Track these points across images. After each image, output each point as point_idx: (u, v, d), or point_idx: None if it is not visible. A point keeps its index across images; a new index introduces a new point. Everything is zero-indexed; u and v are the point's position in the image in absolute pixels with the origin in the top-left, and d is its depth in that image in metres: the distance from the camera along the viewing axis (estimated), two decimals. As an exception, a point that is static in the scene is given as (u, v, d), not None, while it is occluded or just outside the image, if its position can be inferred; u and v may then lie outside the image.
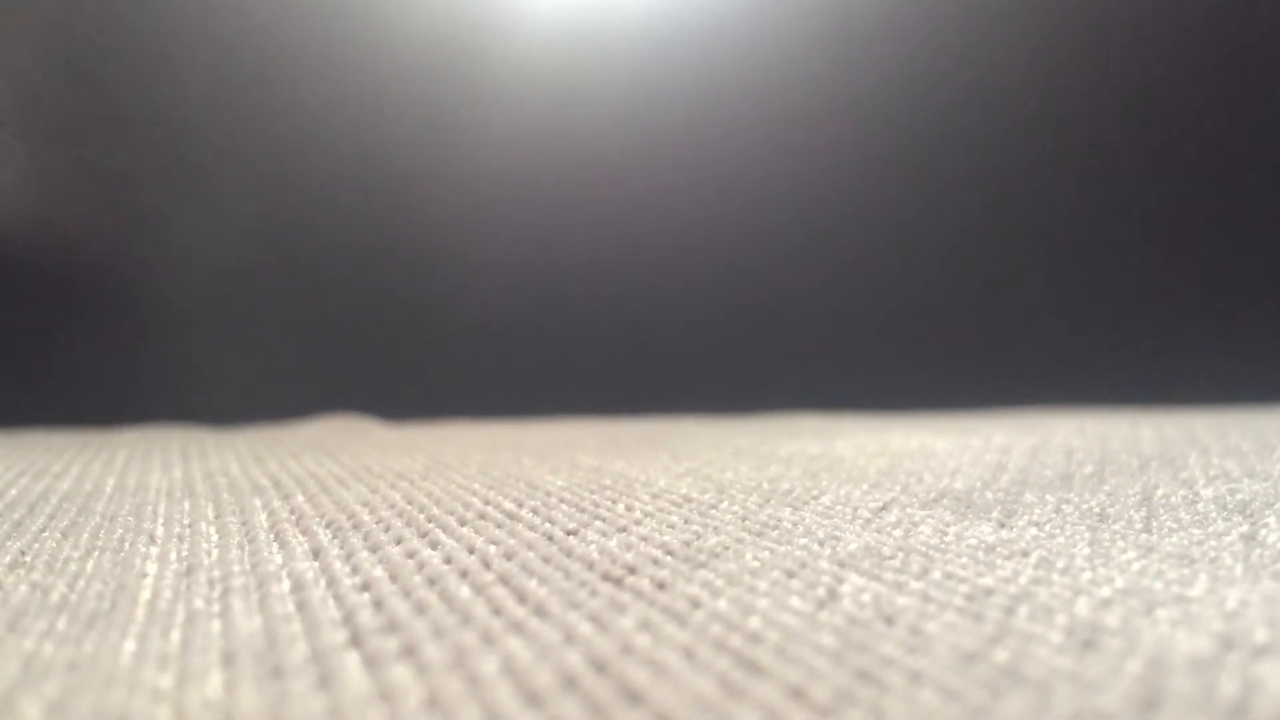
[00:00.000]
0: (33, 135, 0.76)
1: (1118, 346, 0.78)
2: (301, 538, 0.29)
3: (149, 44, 0.76)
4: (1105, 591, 0.20)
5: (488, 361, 0.80)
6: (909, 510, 0.30)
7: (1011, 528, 0.27)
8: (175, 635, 0.20)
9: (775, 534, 0.27)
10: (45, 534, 0.30)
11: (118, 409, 0.72)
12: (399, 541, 0.27)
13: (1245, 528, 0.27)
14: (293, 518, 0.32)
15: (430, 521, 0.30)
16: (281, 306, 0.80)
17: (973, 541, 0.25)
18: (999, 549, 0.24)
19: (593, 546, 0.25)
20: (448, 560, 0.25)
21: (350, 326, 0.80)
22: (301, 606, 0.21)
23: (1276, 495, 0.31)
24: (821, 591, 0.21)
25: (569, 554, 0.25)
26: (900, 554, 0.24)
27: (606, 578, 0.23)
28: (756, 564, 0.23)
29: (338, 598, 0.22)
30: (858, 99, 0.79)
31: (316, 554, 0.26)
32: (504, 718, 0.15)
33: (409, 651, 0.18)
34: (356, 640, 0.19)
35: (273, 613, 0.21)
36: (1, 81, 0.75)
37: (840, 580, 0.22)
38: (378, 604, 0.21)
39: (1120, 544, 0.25)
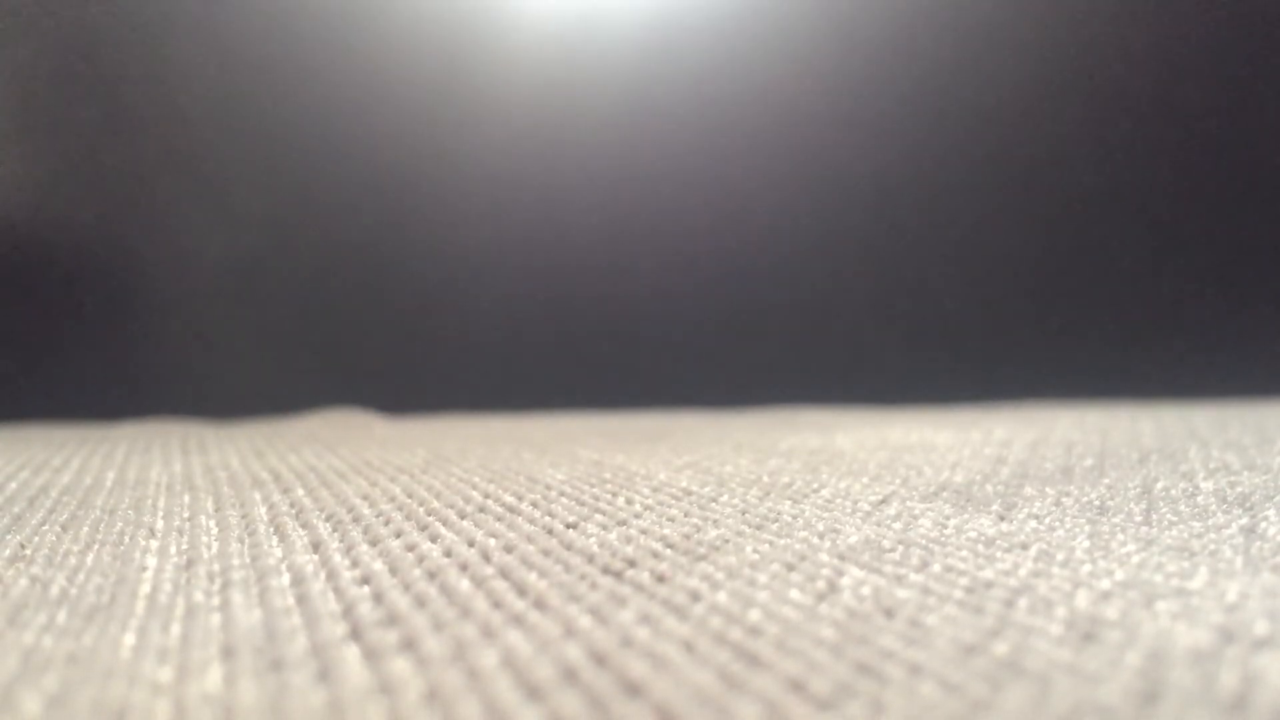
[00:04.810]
0: (33, 131, 0.76)
1: (1118, 340, 0.78)
2: (301, 531, 0.29)
3: (150, 41, 0.76)
4: (1105, 584, 0.20)
5: (488, 356, 0.80)
6: (909, 503, 0.30)
7: (1011, 521, 0.27)
8: (175, 629, 0.20)
9: (775, 527, 0.27)
10: (45, 528, 0.30)
11: (118, 403, 0.72)
12: (399, 535, 0.27)
13: (1245, 520, 0.27)
14: (292, 511, 0.32)
15: (430, 515, 0.30)
16: (281, 301, 0.79)
17: (972, 534, 0.25)
18: (999, 542, 0.24)
19: (593, 540, 0.25)
20: (448, 554, 0.25)
21: (350, 321, 0.80)
22: (301, 600, 0.21)
23: (1276, 488, 0.31)
24: (821, 584, 0.21)
25: (569, 547, 0.25)
26: (900, 547, 0.24)
27: (606, 571, 0.23)
28: (756, 557, 0.23)
29: (338, 591, 0.22)
30: (855, 96, 0.78)
31: (316, 547, 0.26)
32: (504, 711, 0.15)
33: (409, 645, 0.18)
34: (356, 633, 0.19)
35: (272, 606, 0.21)
36: (2, 79, 0.75)
37: (840, 573, 0.22)
38: (378, 597, 0.21)
39: (1120, 537, 0.25)
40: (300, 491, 0.35)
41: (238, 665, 0.17)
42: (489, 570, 0.23)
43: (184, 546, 0.27)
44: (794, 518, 0.28)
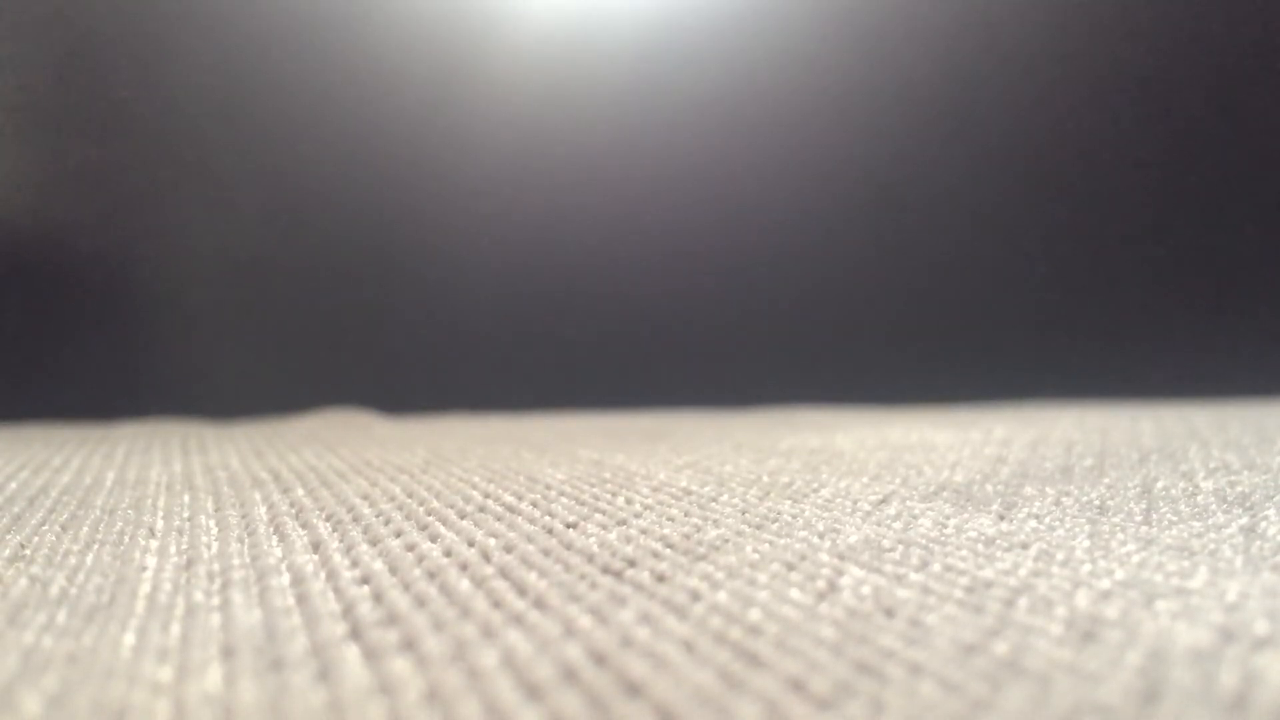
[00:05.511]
0: (32, 130, 0.76)
1: (1118, 340, 0.78)
2: (301, 531, 0.29)
3: (149, 39, 0.76)
4: (1105, 584, 0.20)
5: (487, 355, 0.80)
6: (909, 503, 0.30)
7: (1011, 520, 0.27)
8: (175, 628, 0.20)
9: (775, 527, 0.27)
10: (45, 528, 0.30)
11: (117, 403, 0.72)
12: (399, 535, 0.27)
13: (1245, 520, 0.27)
14: (292, 511, 0.32)
15: (430, 515, 0.30)
16: (281, 301, 0.79)
17: (973, 534, 0.25)
18: (999, 541, 0.24)
19: (593, 540, 0.25)
20: (447, 553, 0.25)
21: (350, 321, 0.80)
22: (301, 600, 0.21)
23: (1276, 488, 0.31)
24: (821, 584, 0.21)
25: (569, 547, 0.25)
26: (900, 546, 0.24)
27: (606, 571, 0.23)
28: (756, 557, 0.23)
29: (337, 591, 0.22)
30: (855, 96, 0.78)
31: (316, 547, 0.26)
32: (504, 710, 0.15)
33: (409, 644, 0.18)
34: (356, 633, 0.19)
35: (272, 606, 0.21)
36: (2, 79, 0.75)
37: (840, 573, 0.22)
38: (377, 597, 0.21)
39: (1120, 536, 0.25)
40: (300, 491, 0.35)
41: (238, 665, 0.17)
42: (489, 570, 0.23)
43: (184, 546, 0.27)
44: (794, 518, 0.28)
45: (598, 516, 0.29)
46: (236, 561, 0.25)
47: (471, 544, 0.26)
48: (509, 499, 0.32)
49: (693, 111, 0.78)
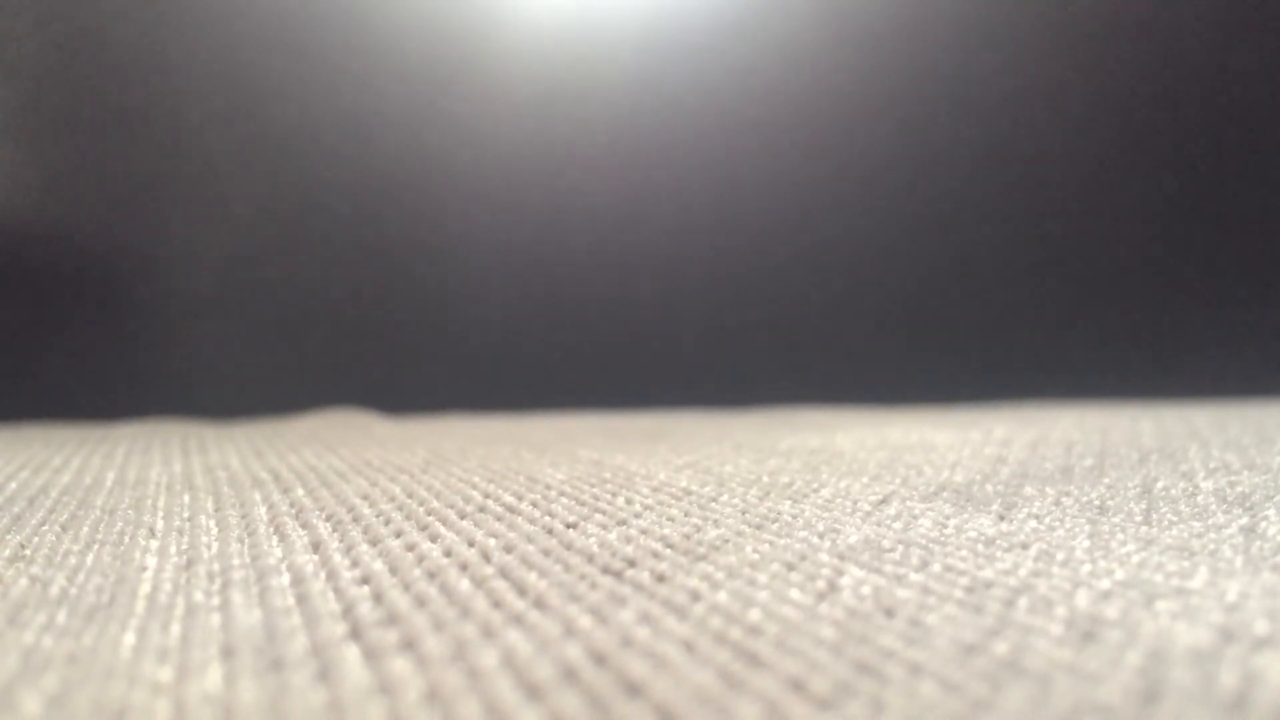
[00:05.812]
0: (32, 131, 0.76)
1: (1118, 340, 0.78)
2: (301, 531, 0.29)
3: (149, 39, 0.76)
4: (1105, 584, 0.20)
5: (487, 355, 0.80)
6: (909, 503, 0.30)
7: (1011, 520, 0.27)
8: (175, 628, 0.20)
9: (775, 527, 0.27)
10: (45, 528, 0.30)
11: (117, 403, 0.72)
12: (399, 535, 0.27)
13: (1245, 520, 0.27)
14: (292, 511, 0.32)
15: (430, 515, 0.30)
16: (281, 301, 0.79)
17: (973, 534, 0.25)
18: (999, 541, 0.24)
19: (592, 540, 0.25)
20: (448, 553, 0.25)
21: (350, 320, 0.80)
22: (301, 600, 0.21)
23: (1276, 488, 0.31)
24: (821, 584, 0.21)
25: (569, 547, 0.25)
26: (900, 547, 0.24)
27: (606, 571, 0.23)
28: (756, 557, 0.23)
29: (338, 591, 0.22)
30: (855, 96, 0.78)
31: (316, 547, 0.26)
32: (504, 710, 0.15)
33: (409, 644, 0.18)
34: (356, 633, 0.19)
35: (272, 606, 0.21)
36: (3, 79, 0.75)
37: (840, 573, 0.22)
38: (378, 597, 0.21)
39: (1120, 536, 0.25)
40: (300, 491, 0.35)
41: (238, 665, 0.17)
42: (489, 570, 0.23)
43: (184, 546, 0.27)
44: (794, 518, 0.28)
45: (598, 516, 0.29)
46: (236, 561, 0.25)
47: (471, 544, 0.26)
48: (509, 499, 0.32)
49: (693, 111, 0.78)
